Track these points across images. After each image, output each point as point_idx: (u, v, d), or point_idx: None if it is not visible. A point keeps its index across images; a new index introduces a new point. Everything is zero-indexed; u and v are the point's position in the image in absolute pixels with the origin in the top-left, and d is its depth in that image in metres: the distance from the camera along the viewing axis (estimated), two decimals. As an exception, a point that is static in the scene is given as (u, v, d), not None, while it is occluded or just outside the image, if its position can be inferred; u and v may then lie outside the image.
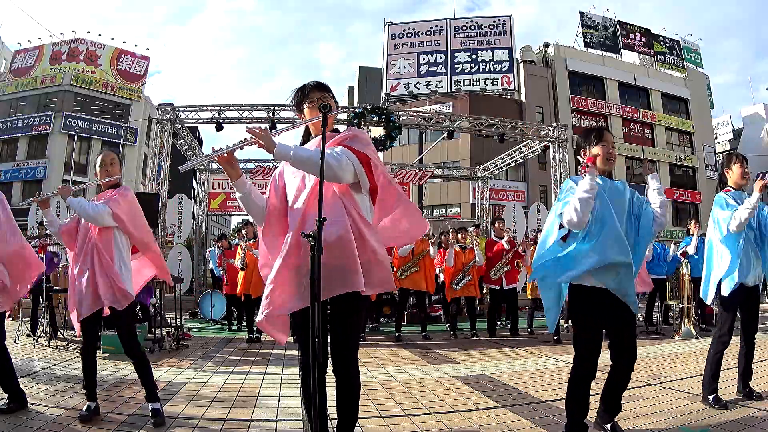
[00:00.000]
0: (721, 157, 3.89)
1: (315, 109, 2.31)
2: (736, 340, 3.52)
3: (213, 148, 2.23)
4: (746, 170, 3.54)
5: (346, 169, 2.13)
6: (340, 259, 2.10)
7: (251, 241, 7.52)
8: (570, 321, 6.75)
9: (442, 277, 8.36)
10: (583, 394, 2.66)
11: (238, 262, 7.59)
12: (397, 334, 7.37)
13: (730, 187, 3.57)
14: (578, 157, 2.84)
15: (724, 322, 3.47)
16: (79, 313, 3.18)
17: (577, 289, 2.69)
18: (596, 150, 2.73)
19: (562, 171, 12.78)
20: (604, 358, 2.70)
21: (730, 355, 3.51)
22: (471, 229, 9.07)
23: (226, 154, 2.19)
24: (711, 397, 3.36)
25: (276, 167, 2.57)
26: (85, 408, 3.14)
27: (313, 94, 2.37)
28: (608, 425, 2.72)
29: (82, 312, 3.16)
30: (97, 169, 3.40)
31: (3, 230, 3.24)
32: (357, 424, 2.31)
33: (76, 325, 3.29)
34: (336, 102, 2.47)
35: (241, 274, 7.49)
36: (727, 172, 3.61)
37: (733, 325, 3.46)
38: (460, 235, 7.96)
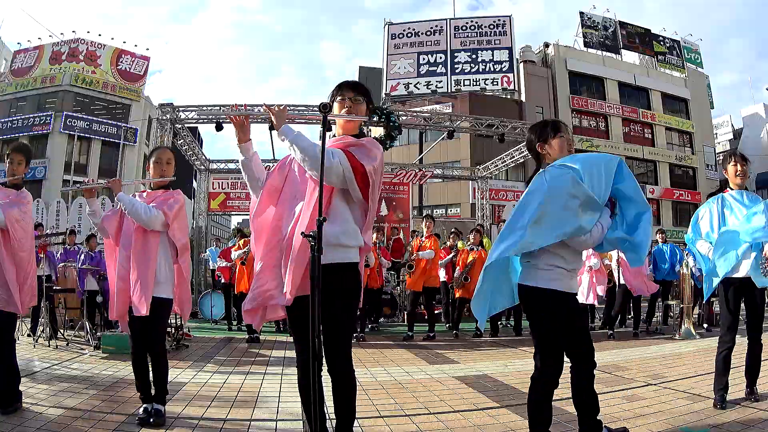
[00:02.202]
0: (721, 157, 3.91)
1: (343, 106, 2.34)
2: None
3: (234, 106, 2.34)
4: (740, 168, 3.49)
5: (333, 171, 2.12)
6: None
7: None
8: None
9: (442, 277, 8.39)
10: (549, 404, 2.53)
11: (235, 254, 7.62)
12: (409, 333, 7.34)
13: (729, 187, 3.57)
14: (538, 150, 2.66)
15: (723, 322, 3.49)
16: (112, 311, 3.16)
17: (535, 291, 2.51)
18: (555, 142, 2.59)
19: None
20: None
21: (739, 354, 3.50)
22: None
23: (242, 116, 2.31)
24: (715, 396, 3.38)
25: (274, 163, 2.60)
26: (141, 410, 3.13)
27: (346, 92, 2.37)
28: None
29: (115, 311, 3.14)
30: (151, 164, 3.28)
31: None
32: (357, 424, 2.32)
33: (122, 327, 3.24)
34: (369, 105, 2.43)
35: (237, 269, 7.51)
36: (725, 173, 3.61)
37: (732, 325, 3.43)
38: (471, 236, 8.05)
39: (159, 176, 3.26)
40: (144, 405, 3.15)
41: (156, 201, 3.17)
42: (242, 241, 7.87)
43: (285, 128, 2.20)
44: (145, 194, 3.30)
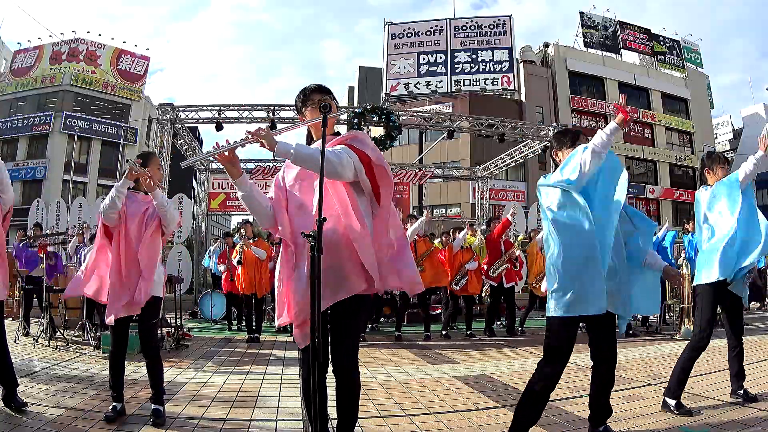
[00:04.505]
0: (708, 155, 3.85)
1: (316, 110, 2.33)
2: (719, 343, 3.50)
3: (216, 144, 2.23)
4: (728, 171, 3.52)
5: (346, 167, 2.15)
6: (337, 261, 2.13)
7: (251, 240, 7.55)
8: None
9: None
10: (543, 402, 2.53)
11: (235, 259, 7.62)
12: (396, 333, 7.38)
13: (710, 186, 3.52)
14: (553, 158, 2.79)
15: (704, 324, 3.35)
16: (116, 311, 3.15)
17: None
18: (569, 153, 2.66)
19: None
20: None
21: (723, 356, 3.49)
22: (473, 230, 9.12)
23: (227, 153, 2.19)
24: (674, 403, 3.24)
25: (276, 167, 2.59)
26: (110, 408, 3.15)
27: (313, 96, 2.40)
28: (601, 428, 2.66)
29: (119, 312, 3.13)
30: (153, 167, 3.35)
31: None
32: (357, 424, 2.31)
33: (109, 320, 3.21)
34: (337, 104, 2.50)
35: (240, 270, 7.50)
36: (708, 173, 3.55)
37: (712, 327, 3.36)
38: (458, 233, 8.01)
39: (159, 180, 3.37)
40: (113, 404, 3.18)
41: (152, 205, 3.27)
42: (238, 246, 7.82)
43: (281, 146, 2.12)
44: (140, 196, 3.34)
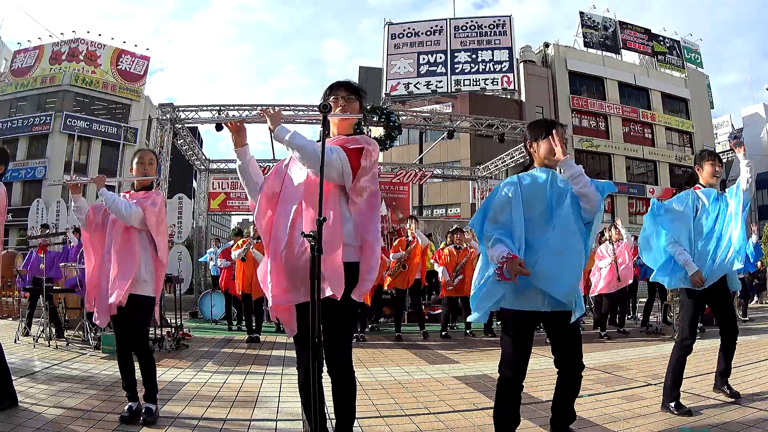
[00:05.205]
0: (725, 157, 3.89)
1: (337, 105, 2.36)
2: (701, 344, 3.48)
3: (227, 114, 2.31)
4: (717, 169, 3.49)
5: (333, 166, 2.13)
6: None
7: (257, 241, 7.55)
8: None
9: (440, 278, 8.39)
10: (514, 403, 2.45)
11: (235, 254, 7.61)
12: (396, 333, 7.39)
13: (701, 184, 3.54)
14: (527, 149, 2.67)
15: (686, 325, 3.38)
16: (90, 303, 3.20)
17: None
18: (543, 143, 2.56)
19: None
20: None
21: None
22: (467, 229, 9.12)
23: (238, 123, 2.31)
24: (672, 404, 3.24)
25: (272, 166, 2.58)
26: (126, 408, 3.14)
27: (338, 92, 2.39)
28: None
29: (103, 313, 3.17)
30: (134, 165, 3.36)
31: None
32: (357, 424, 2.31)
33: (99, 321, 3.23)
34: (363, 104, 2.47)
35: (238, 266, 7.51)
36: (698, 170, 3.57)
37: (696, 328, 3.39)
38: (455, 236, 8.02)
39: (142, 175, 3.35)
40: (129, 404, 3.17)
41: (136, 199, 3.26)
42: (241, 240, 7.87)
43: (280, 129, 2.20)
44: (128, 195, 3.36)
